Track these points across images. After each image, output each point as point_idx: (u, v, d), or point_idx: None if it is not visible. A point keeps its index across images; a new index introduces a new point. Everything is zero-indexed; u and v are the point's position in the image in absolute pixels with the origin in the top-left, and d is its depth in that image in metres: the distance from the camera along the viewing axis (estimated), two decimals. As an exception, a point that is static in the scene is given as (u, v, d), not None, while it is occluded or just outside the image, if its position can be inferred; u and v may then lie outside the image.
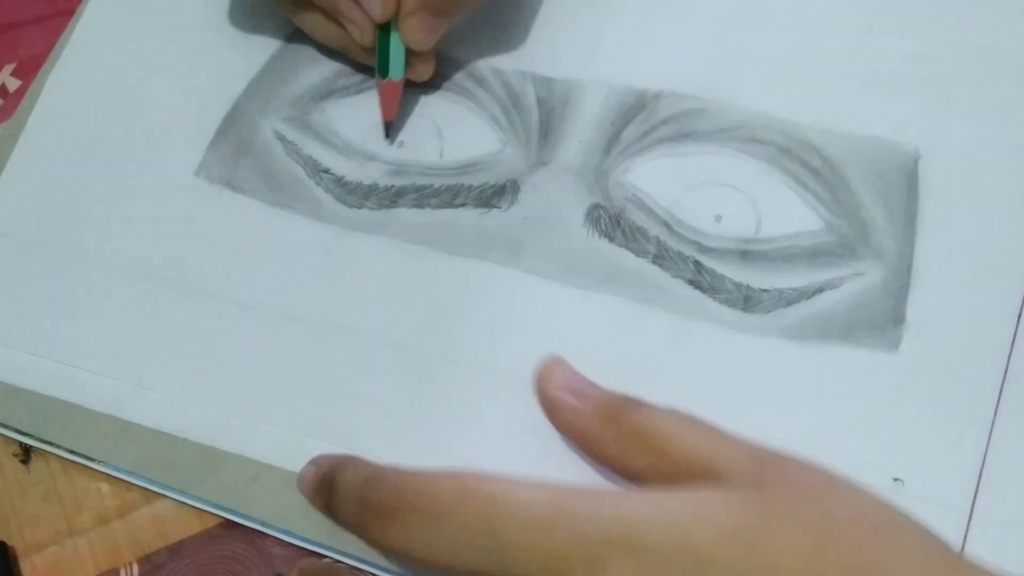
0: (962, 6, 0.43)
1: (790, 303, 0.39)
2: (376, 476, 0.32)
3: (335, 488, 0.33)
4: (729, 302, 0.39)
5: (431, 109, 0.44)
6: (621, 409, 0.33)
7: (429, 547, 0.30)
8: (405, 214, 0.42)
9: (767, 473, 0.30)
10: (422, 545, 0.30)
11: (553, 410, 0.35)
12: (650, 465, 0.32)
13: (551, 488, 0.29)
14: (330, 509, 0.34)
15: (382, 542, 0.31)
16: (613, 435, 0.33)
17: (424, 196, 0.42)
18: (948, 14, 0.43)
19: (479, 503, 0.29)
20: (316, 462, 0.35)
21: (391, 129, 0.44)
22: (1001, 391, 0.36)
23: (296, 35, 0.46)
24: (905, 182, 0.40)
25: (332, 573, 0.35)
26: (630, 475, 0.33)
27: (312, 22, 0.44)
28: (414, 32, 0.41)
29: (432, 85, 0.44)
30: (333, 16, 0.43)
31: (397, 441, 0.38)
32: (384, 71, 0.43)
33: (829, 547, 0.27)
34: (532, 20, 0.46)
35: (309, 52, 0.46)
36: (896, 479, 0.36)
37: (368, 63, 0.44)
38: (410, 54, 0.42)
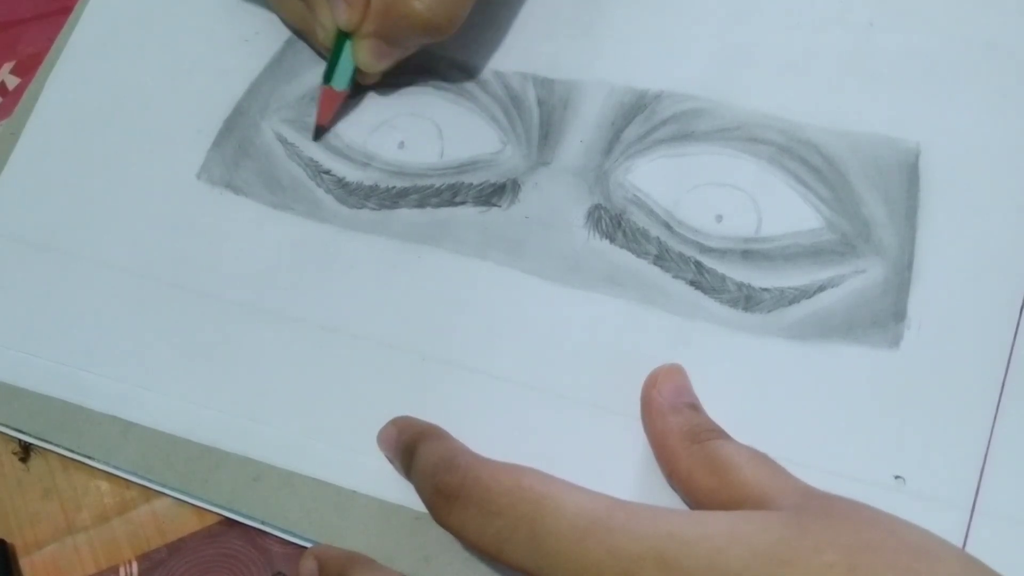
0: (962, 1, 0.43)
1: (791, 302, 0.39)
2: (448, 459, 0.33)
3: (414, 461, 0.34)
4: (730, 302, 0.39)
5: (431, 109, 0.44)
6: (706, 433, 0.35)
7: (480, 537, 0.31)
8: (406, 214, 0.42)
9: (810, 502, 0.31)
10: (474, 534, 0.31)
11: (646, 410, 0.36)
12: (712, 488, 0.33)
13: (598, 499, 0.30)
14: (408, 477, 0.35)
15: (443, 522, 0.32)
16: (689, 452, 0.34)
17: (425, 196, 0.42)
18: (948, 9, 0.43)
19: (527, 505, 0.30)
20: (398, 425, 0.37)
21: (320, 132, 0.44)
22: (1003, 387, 0.36)
23: (297, 36, 0.46)
24: (906, 178, 0.40)
25: (353, 561, 0.35)
26: (692, 494, 0.34)
27: (288, 5, 0.44)
28: (364, 55, 0.42)
29: (432, 86, 0.45)
30: (308, 6, 0.43)
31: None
32: (328, 78, 0.43)
33: (865, 570, 0.27)
34: (532, 21, 0.46)
35: (310, 54, 0.46)
36: (897, 476, 0.35)
37: (324, 60, 0.44)
38: (358, 69, 0.43)
